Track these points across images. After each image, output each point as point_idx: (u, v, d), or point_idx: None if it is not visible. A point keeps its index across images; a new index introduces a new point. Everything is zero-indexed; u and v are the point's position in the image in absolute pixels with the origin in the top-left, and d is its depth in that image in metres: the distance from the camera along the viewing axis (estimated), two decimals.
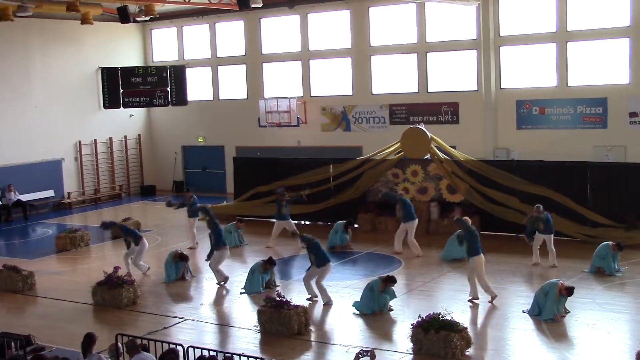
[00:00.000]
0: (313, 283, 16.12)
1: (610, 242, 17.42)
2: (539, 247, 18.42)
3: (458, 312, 14.84)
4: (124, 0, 25.20)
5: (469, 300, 15.57)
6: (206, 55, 33.37)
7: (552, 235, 18.19)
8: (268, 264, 17.24)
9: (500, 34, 26.63)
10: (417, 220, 20.01)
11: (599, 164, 22.36)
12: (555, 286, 14.41)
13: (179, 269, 18.45)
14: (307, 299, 16.05)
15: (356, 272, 18.88)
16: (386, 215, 23.65)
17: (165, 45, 34.43)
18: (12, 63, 29.62)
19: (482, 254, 15.51)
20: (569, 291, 14.43)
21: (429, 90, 28.23)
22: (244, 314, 16.00)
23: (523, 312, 14.75)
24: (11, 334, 12.63)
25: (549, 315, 14.20)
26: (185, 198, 22.32)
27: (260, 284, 17.17)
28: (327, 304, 15.86)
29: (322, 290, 15.99)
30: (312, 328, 14.30)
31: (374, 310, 15.08)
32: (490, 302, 15.39)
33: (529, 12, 26.25)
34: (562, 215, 20.32)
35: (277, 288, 16.78)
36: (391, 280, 15.30)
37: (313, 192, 23.65)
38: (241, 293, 17.18)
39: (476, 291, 15.60)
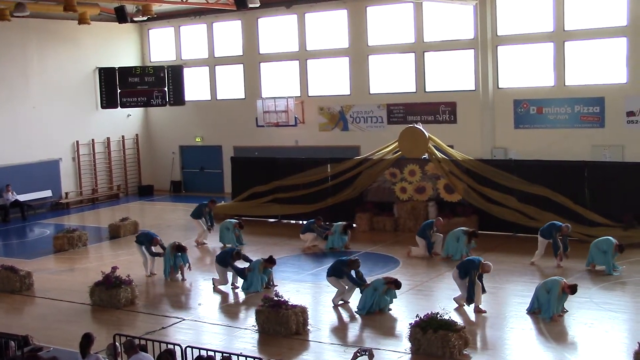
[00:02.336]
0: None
1: (614, 241, 17.40)
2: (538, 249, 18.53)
3: (456, 311, 14.88)
4: (122, 0, 25.20)
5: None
6: (204, 55, 33.35)
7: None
8: (268, 263, 17.23)
9: (498, 34, 26.64)
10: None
11: (597, 163, 22.37)
12: (558, 284, 14.38)
13: (177, 261, 18.45)
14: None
15: None
16: (384, 215, 23.68)
17: (162, 45, 34.40)
18: (10, 63, 29.57)
19: None
20: (573, 289, 14.41)
21: (426, 90, 28.23)
22: (242, 313, 16.01)
23: (527, 313, 14.72)
24: (9, 334, 12.61)
25: (549, 314, 14.20)
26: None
27: (260, 284, 17.15)
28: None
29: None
30: (310, 328, 14.31)
31: (374, 309, 15.09)
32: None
33: (527, 11, 26.24)
34: (560, 215, 20.30)
35: (275, 288, 16.76)
36: (396, 285, 15.29)
37: (311, 192, 23.63)
38: (237, 288, 17.27)
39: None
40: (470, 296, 14.96)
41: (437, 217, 21.11)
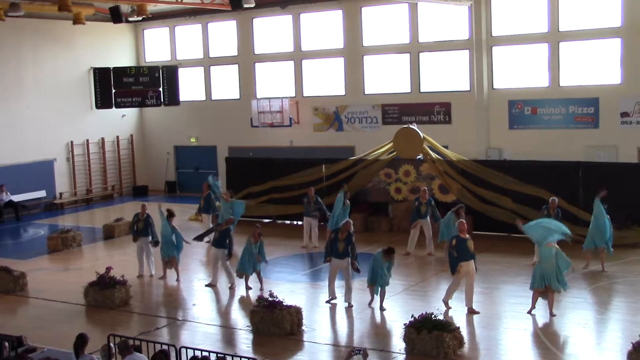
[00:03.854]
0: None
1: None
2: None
3: (450, 311, 14.89)
4: (116, 0, 25.16)
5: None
6: (199, 56, 33.33)
7: None
8: (257, 236, 17.34)
9: (493, 34, 26.67)
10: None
11: (591, 163, 22.40)
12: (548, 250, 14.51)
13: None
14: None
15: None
16: (379, 215, 23.68)
17: (157, 45, 34.36)
18: (4, 63, 29.49)
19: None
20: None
21: (421, 90, 28.25)
22: (237, 314, 16.01)
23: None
24: (3, 334, 12.58)
25: (566, 269, 14.45)
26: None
27: (250, 263, 17.16)
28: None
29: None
30: (304, 328, 14.31)
31: (379, 283, 15.32)
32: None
33: (521, 12, 26.28)
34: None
35: (264, 263, 17.31)
36: (391, 251, 15.34)
37: (306, 192, 23.58)
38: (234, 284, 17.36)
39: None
40: (452, 266, 15.00)
41: (423, 189, 20.93)
